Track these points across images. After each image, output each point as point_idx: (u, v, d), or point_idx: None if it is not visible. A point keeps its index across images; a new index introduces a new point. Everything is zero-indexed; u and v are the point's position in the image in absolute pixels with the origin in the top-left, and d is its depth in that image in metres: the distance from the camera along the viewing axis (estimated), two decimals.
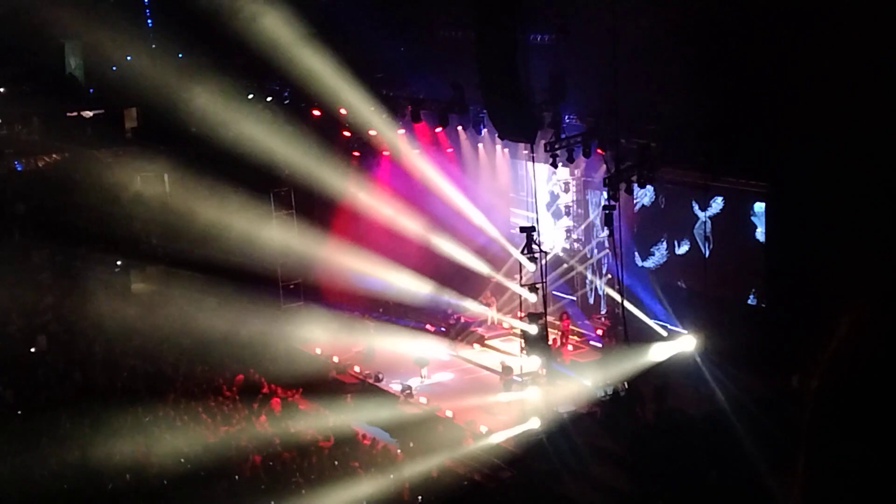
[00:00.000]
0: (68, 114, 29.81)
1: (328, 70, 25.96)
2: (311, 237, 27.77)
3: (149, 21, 32.08)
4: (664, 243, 25.03)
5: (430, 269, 27.21)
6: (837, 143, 18.27)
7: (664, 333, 24.11)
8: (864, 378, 1.51)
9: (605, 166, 23.74)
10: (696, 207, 23.76)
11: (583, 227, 27.34)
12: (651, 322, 24.54)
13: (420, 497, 18.66)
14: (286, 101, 29.10)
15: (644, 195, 24.87)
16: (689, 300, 23.86)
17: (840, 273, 16.29)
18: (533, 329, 21.91)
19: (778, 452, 15.30)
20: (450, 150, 29.13)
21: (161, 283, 28.91)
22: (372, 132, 28.17)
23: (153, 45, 30.36)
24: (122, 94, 28.91)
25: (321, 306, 27.86)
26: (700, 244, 23.78)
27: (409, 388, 23.85)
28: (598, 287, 27.23)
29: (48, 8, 25.98)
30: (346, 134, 28.82)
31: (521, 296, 24.06)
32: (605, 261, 26.67)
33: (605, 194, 23.28)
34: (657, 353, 22.91)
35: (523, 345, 22.97)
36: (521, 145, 26.47)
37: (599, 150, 23.71)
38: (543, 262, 23.15)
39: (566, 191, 27.39)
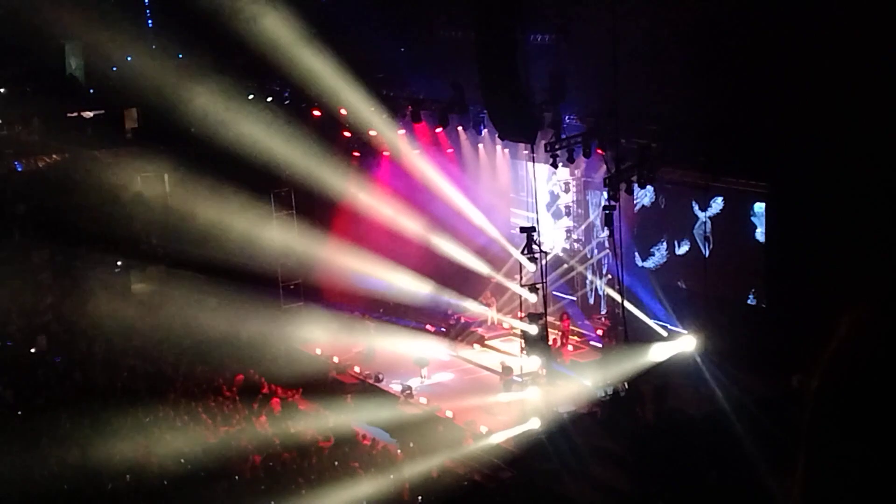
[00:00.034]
0: (68, 114, 29.80)
1: (328, 70, 25.97)
2: (311, 237, 27.77)
3: (149, 21, 32.08)
4: (664, 243, 25.04)
5: (431, 269, 27.22)
6: (837, 144, 18.29)
7: (664, 333, 24.12)
8: (864, 378, 1.51)
9: (605, 166, 23.74)
10: (696, 208, 23.77)
11: (583, 227, 27.35)
12: (651, 322, 24.55)
13: (420, 497, 18.67)
14: (286, 102, 29.09)
15: (644, 195, 24.87)
16: (689, 300, 23.87)
17: (840, 273, 16.33)
18: (533, 329, 21.92)
19: (778, 452, 15.29)
20: (450, 150, 29.13)
21: (161, 283, 28.90)
22: (372, 132, 28.17)
23: (153, 46, 30.36)
24: (122, 94, 28.92)
25: (321, 306, 27.86)
26: (700, 244, 23.79)
27: (409, 388, 23.86)
28: (599, 287, 27.24)
29: (48, 8, 25.98)
30: (347, 134, 28.82)
31: (521, 296, 24.07)
32: (606, 261, 26.68)
33: (605, 194, 23.28)
34: (657, 353, 22.92)
35: (523, 345, 22.97)
36: (522, 145, 26.47)
37: (599, 151, 23.71)
38: (543, 262, 23.16)
39: (566, 191, 27.41)
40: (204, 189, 26.67)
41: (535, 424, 20.98)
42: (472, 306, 27.70)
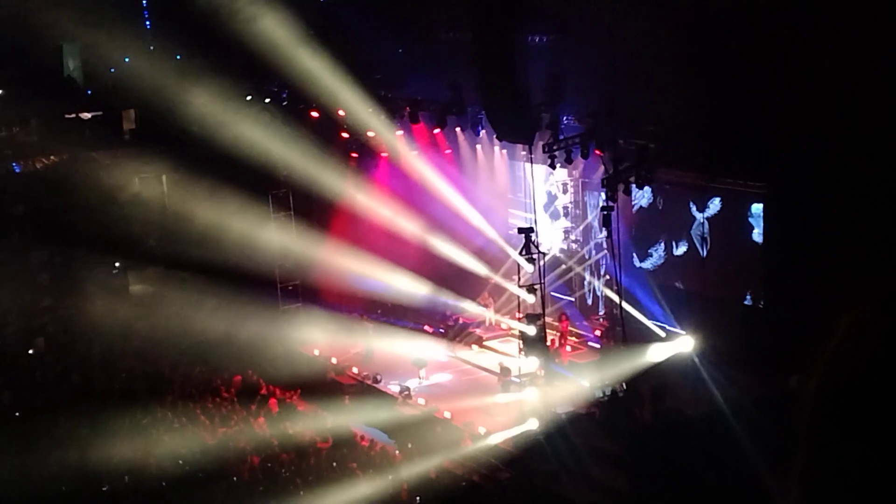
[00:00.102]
0: (66, 115, 29.74)
1: (327, 71, 25.96)
2: (309, 238, 27.77)
3: (147, 23, 32.06)
4: (662, 244, 25.06)
5: (429, 270, 27.21)
6: (835, 144, 18.30)
7: (662, 334, 24.13)
8: (862, 378, 1.52)
9: (603, 167, 23.74)
10: (693, 209, 23.79)
11: (581, 228, 27.37)
12: (649, 323, 24.56)
13: (418, 498, 18.66)
14: (284, 103, 29.09)
15: (642, 196, 24.89)
16: (686, 301, 23.88)
17: (837, 273, 16.34)
18: (531, 330, 21.92)
19: (776, 453, 15.29)
20: (448, 151, 29.15)
21: (159, 284, 28.88)
22: (370, 133, 28.16)
23: (151, 47, 30.34)
24: (120, 95, 28.88)
25: (319, 307, 27.86)
26: (697, 245, 23.81)
27: (408, 389, 23.85)
28: (597, 288, 27.25)
29: (46, 10, 25.97)
30: (345, 135, 28.81)
31: (519, 297, 24.07)
32: (604, 262, 26.69)
33: (603, 195, 23.30)
34: (655, 353, 22.92)
35: (522, 346, 22.96)
36: (520, 146, 26.49)
37: (597, 151, 23.70)
38: (541, 263, 23.16)
39: (564, 192, 27.42)
40: (202, 190, 26.66)
41: (533, 425, 20.97)
42: (470, 307, 27.71)
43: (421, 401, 23.41)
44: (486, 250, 28.15)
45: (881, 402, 1.48)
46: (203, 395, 22.85)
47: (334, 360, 25.82)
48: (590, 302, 27.49)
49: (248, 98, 28.30)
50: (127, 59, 29.59)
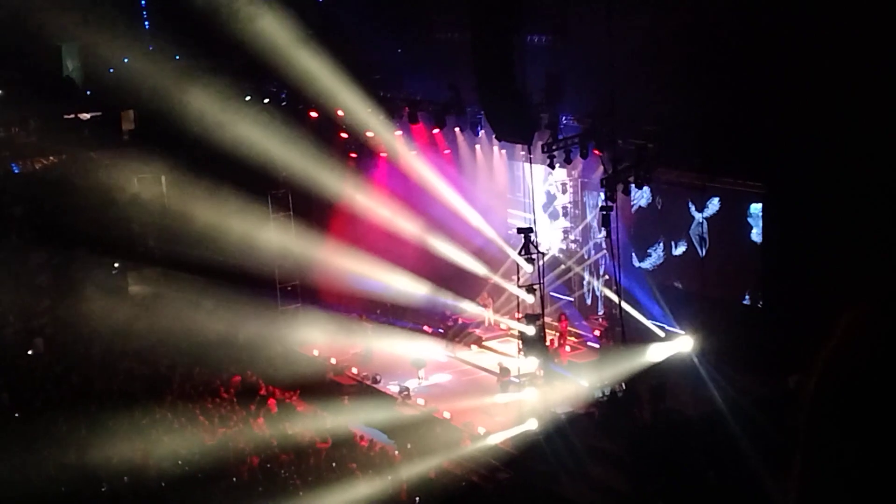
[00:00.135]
0: (65, 116, 29.77)
1: (325, 71, 25.96)
2: (308, 239, 27.76)
3: (146, 23, 32.06)
4: (661, 244, 25.06)
5: (428, 270, 27.21)
6: (834, 144, 18.31)
7: (661, 334, 24.13)
8: (861, 378, 1.52)
9: (602, 167, 23.73)
10: (692, 209, 23.79)
11: (580, 228, 27.37)
12: (648, 323, 24.56)
13: (418, 498, 18.67)
14: (283, 103, 29.08)
15: (641, 196, 24.89)
16: (686, 301, 23.89)
17: (836, 273, 16.35)
18: (530, 330, 21.91)
19: (775, 453, 15.31)
20: (447, 151, 29.13)
21: (158, 285, 28.89)
22: (369, 134, 28.15)
23: (150, 47, 30.34)
24: (119, 96, 28.88)
25: (319, 308, 27.86)
26: (696, 245, 23.82)
27: (407, 389, 23.85)
28: (596, 288, 27.25)
29: (45, 10, 25.97)
30: (344, 135, 28.80)
31: (518, 297, 24.07)
32: (603, 262, 26.69)
33: (602, 195, 23.30)
34: (654, 353, 22.92)
35: (521, 346, 22.95)
36: (519, 146, 26.49)
37: (596, 151, 23.69)
38: (541, 263, 23.15)
39: (563, 192, 27.42)
40: (201, 191, 26.66)
41: (532, 425, 20.97)
42: (469, 307, 27.71)
43: (420, 401, 23.41)
44: (486, 250, 28.14)
45: (880, 402, 1.48)
46: (202, 395, 22.84)
47: (333, 361, 25.81)
48: (589, 302, 27.49)
49: (247, 98, 28.30)
50: (126, 60, 29.59)
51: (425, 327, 27.40)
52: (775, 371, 19.15)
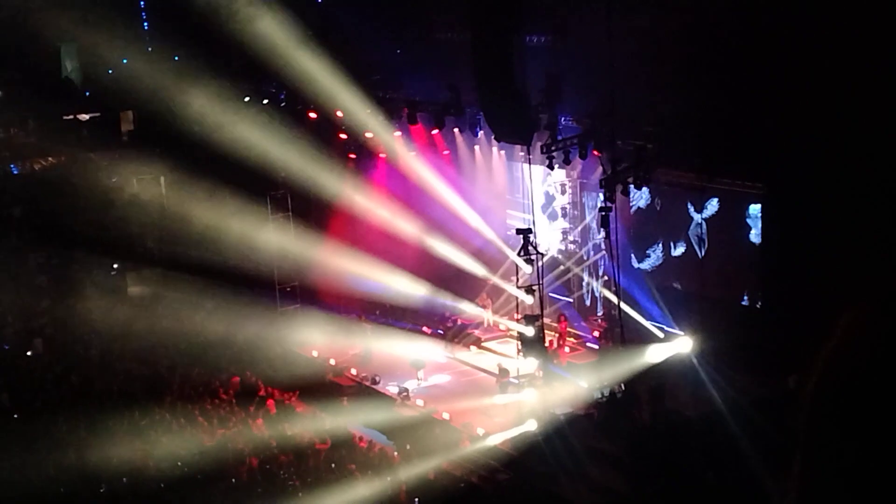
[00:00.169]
0: (64, 117, 29.78)
1: (325, 72, 25.96)
2: (307, 240, 27.76)
3: (145, 24, 32.06)
4: (660, 245, 25.06)
5: (427, 271, 27.21)
6: (833, 145, 18.31)
7: (660, 335, 24.13)
8: (861, 378, 1.52)
9: (601, 168, 23.74)
10: (691, 209, 23.79)
11: (579, 228, 27.37)
12: (647, 323, 24.56)
13: (417, 499, 18.67)
14: (283, 104, 29.09)
15: (640, 197, 24.89)
16: (685, 301, 23.89)
17: (836, 273, 16.34)
18: (529, 331, 21.91)
19: (775, 453, 15.31)
20: (446, 152, 29.13)
21: (157, 285, 28.88)
22: (368, 134, 28.16)
23: (149, 48, 30.37)
24: (118, 96, 28.90)
25: (318, 309, 27.85)
26: (695, 246, 23.82)
27: (406, 390, 23.85)
28: (595, 289, 27.25)
29: (45, 11, 25.96)
30: (343, 136, 28.80)
31: (517, 298, 24.06)
32: (602, 262, 26.69)
33: (601, 196, 23.29)
34: (654, 354, 22.92)
35: (520, 347, 22.95)
36: (518, 147, 26.50)
37: (596, 152, 23.70)
38: (540, 264, 23.15)
39: (562, 193, 27.42)
40: (200, 191, 26.67)
41: (531, 426, 20.96)
42: (468, 308, 27.70)
43: (419, 402, 23.40)
44: (485, 251, 28.14)
45: (880, 402, 1.48)
46: (201, 396, 22.83)
47: (333, 362, 25.80)
48: (588, 303, 27.49)
49: (247, 99, 28.32)
50: (125, 61, 29.62)
51: (424, 328, 27.39)
52: (775, 371, 19.16)
